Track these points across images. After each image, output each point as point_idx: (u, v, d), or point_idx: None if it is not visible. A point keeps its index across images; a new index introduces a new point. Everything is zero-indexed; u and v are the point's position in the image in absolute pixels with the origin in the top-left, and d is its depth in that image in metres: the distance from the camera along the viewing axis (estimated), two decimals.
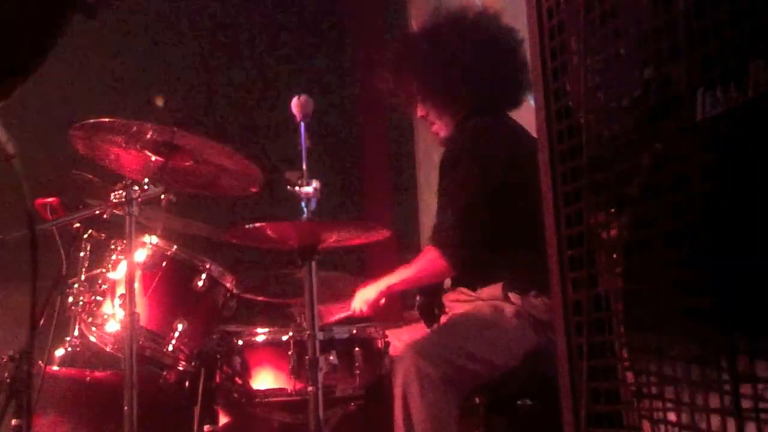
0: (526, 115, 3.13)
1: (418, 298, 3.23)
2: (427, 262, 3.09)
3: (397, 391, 2.73)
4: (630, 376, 1.47)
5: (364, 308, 3.17)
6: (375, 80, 3.40)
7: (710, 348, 1.30)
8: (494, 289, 2.99)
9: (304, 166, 2.64)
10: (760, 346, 1.23)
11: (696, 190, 1.32)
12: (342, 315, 3.28)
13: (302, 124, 2.69)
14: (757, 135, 1.29)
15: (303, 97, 2.71)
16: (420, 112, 3.29)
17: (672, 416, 1.38)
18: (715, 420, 1.29)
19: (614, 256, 1.52)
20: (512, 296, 2.94)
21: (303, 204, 2.64)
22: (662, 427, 1.38)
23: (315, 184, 2.64)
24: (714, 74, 1.31)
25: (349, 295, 3.40)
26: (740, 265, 1.27)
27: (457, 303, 3.13)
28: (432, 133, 3.33)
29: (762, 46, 1.25)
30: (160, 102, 5.16)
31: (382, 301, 3.19)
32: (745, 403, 1.24)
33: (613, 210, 1.56)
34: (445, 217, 3.06)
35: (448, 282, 3.23)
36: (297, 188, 2.63)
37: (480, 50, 3.11)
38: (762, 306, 1.22)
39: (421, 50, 3.20)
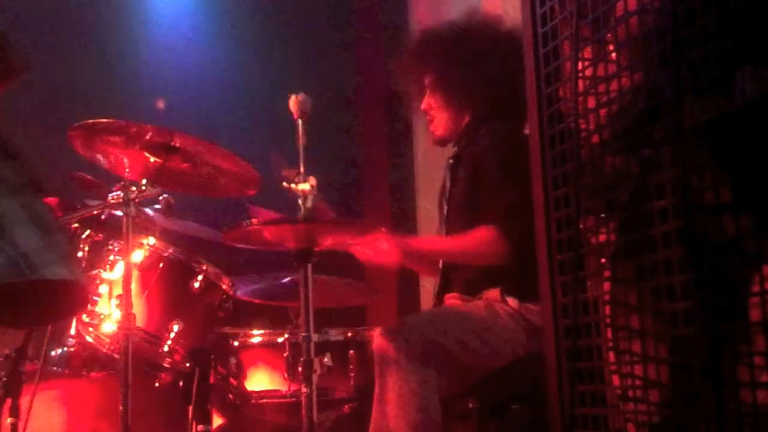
0: None
1: None
2: (482, 241, 2.88)
3: (375, 366, 2.67)
4: (616, 379, 1.48)
5: (380, 256, 3.00)
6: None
7: (694, 353, 1.31)
8: (493, 293, 2.99)
9: (301, 164, 2.66)
10: (742, 352, 1.24)
11: (683, 196, 1.33)
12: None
13: (300, 122, 2.71)
14: (745, 141, 1.31)
15: (301, 96, 2.72)
16: (424, 105, 3.26)
17: (656, 420, 1.39)
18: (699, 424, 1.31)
19: (603, 260, 1.54)
20: (510, 300, 2.94)
21: (300, 201, 2.65)
22: (646, 430, 1.39)
23: (312, 181, 2.65)
24: (702, 81, 1.32)
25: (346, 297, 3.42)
26: (724, 271, 1.28)
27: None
28: (429, 129, 3.31)
29: (750, 53, 1.26)
30: (160, 104, 5.17)
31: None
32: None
33: (602, 215, 1.57)
34: (506, 196, 2.87)
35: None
36: (293, 186, 2.64)
37: (508, 61, 3.06)
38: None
39: (449, 46, 3.17)
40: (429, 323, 2.78)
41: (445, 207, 3.21)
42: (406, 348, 2.63)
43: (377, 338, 2.71)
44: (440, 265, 3.17)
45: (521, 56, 3.08)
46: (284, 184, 2.65)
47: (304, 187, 2.64)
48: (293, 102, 2.72)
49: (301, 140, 2.68)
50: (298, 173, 2.65)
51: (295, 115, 2.71)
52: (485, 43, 3.14)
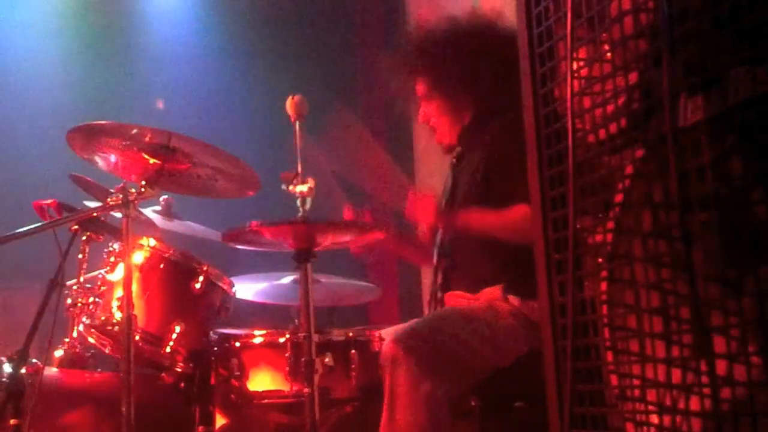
0: None
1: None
2: (522, 219, 2.61)
3: (385, 372, 2.68)
4: (614, 379, 1.48)
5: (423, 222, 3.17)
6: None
7: (691, 352, 1.32)
8: (494, 291, 2.99)
9: (299, 166, 2.66)
10: (738, 350, 1.25)
11: (678, 195, 1.34)
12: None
13: (297, 124, 2.71)
14: (740, 141, 1.31)
15: (297, 97, 2.72)
16: (422, 117, 3.26)
17: (654, 419, 1.39)
18: (696, 423, 1.31)
19: (599, 260, 1.54)
20: (511, 298, 2.94)
21: (298, 203, 2.66)
22: (644, 429, 1.40)
23: (310, 183, 2.66)
24: (696, 81, 1.32)
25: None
26: (719, 270, 1.29)
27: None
28: (435, 140, 3.29)
29: (744, 53, 1.26)
30: (159, 105, 5.18)
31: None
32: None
33: (598, 215, 1.57)
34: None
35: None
36: (292, 188, 2.65)
37: (495, 56, 3.04)
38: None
39: (437, 51, 3.15)
40: (437, 329, 2.79)
41: (443, 205, 3.20)
42: (417, 355, 2.65)
43: (387, 345, 2.72)
44: (436, 263, 3.18)
45: (513, 47, 3.11)
46: (283, 186, 2.66)
47: (302, 188, 2.64)
48: (290, 104, 2.72)
49: (299, 142, 2.69)
50: (296, 175, 2.65)
51: (292, 117, 2.71)
52: (474, 43, 3.11)
